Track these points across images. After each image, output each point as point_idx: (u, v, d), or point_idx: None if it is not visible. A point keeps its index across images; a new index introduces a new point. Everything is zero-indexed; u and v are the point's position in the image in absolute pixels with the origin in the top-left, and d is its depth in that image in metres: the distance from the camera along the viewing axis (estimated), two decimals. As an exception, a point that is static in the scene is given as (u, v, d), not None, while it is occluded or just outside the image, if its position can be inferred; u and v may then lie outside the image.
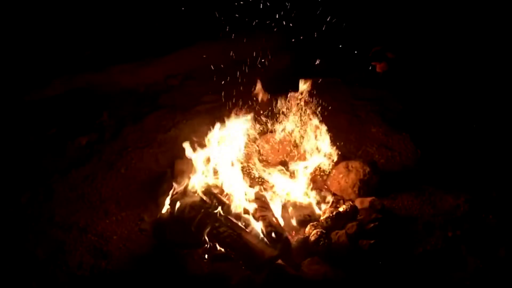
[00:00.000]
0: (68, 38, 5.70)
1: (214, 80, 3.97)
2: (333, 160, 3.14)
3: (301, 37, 4.09)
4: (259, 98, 3.45)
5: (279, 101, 3.35)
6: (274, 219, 2.74)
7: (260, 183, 3.09)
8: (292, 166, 3.17)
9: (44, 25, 5.61)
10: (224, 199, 2.79)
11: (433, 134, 3.48)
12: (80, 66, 5.19)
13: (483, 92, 3.43)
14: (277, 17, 4.06)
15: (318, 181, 3.18)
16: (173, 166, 3.30)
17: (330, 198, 3.00)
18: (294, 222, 2.87)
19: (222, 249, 2.56)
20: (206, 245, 2.63)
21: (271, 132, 3.47)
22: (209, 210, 2.74)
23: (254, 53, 4.01)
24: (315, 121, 3.21)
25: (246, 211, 2.75)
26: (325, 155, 3.16)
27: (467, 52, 3.36)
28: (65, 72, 5.12)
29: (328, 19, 3.95)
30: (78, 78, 5.06)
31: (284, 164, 3.27)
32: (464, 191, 2.94)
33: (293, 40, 4.18)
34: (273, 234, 2.55)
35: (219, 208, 2.73)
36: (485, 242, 2.51)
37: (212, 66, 4.13)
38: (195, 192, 2.88)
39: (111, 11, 6.08)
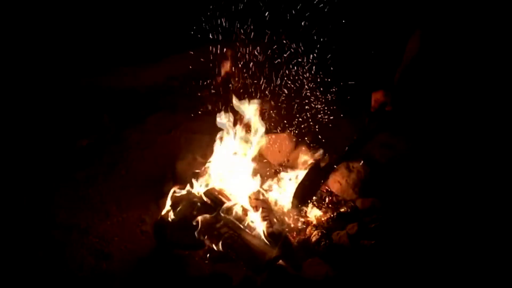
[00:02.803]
0: (68, 40, 5.73)
1: (214, 81, 3.98)
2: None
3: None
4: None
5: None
6: (275, 219, 2.74)
7: (261, 184, 3.10)
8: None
9: (44, 26, 5.64)
10: (225, 200, 2.79)
11: (434, 134, 3.48)
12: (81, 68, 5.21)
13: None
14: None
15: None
16: (174, 167, 3.30)
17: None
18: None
19: (223, 250, 2.56)
20: (207, 246, 2.63)
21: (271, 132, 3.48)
22: (210, 211, 2.74)
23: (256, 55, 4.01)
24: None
25: (247, 212, 2.75)
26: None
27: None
28: (66, 74, 5.14)
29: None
30: (79, 80, 5.07)
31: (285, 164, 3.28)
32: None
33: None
34: (274, 235, 2.56)
35: (220, 209, 2.73)
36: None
37: (212, 67, 4.14)
38: (196, 193, 2.89)
39: (112, 14, 6.10)
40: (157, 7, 6.23)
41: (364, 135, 2.90)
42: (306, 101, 3.77)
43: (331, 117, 3.72)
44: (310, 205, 2.95)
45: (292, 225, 2.84)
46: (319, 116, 3.69)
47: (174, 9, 5.94)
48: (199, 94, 3.66)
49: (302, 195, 2.91)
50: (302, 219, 2.86)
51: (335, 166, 3.00)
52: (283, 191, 3.07)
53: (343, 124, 3.82)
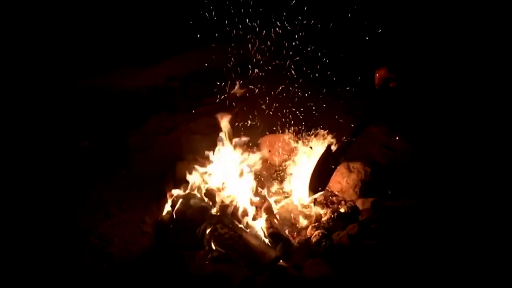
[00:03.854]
0: (70, 41, 5.73)
1: (214, 81, 3.98)
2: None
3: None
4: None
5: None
6: (275, 220, 2.74)
7: (262, 184, 3.09)
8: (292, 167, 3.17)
9: (46, 28, 5.65)
10: (226, 201, 2.79)
11: (433, 134, 3.48)
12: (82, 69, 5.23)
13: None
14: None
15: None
16: (175, 168, 3.30)
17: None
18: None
19: (224, 251, 2.56)
20: (207, 247, 2.63)
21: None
22: (211, 211, 2.74)
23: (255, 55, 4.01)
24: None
25: (247, 212, 2.75)
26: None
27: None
28: (67, 75, 5.15)
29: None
30: (80, 81, 5.08)
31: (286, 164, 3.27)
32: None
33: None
34: (274, 235, 2.55)
35: (221, 210, 2.73)
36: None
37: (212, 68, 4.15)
38: (197, 193, 2.89)
39: (113, 15, 6.11)
40: (158, 8, 6.24)
41: (371, 113, 2.84)
42: (303, 98, 3.78)
43: (331, 116, 3.72)
44: (311, 205, 2.95)
45: (293, 225, 2.84)
46: (319, 114, 3.69)
47: (174, 10, 5.94)
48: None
49: (318, 183, 2.84)
50: (304, 219, 2.86)
51: (345, 146, 2.87)
52: (290, 186, 3.07)
53: (343, 122, 3.83)
